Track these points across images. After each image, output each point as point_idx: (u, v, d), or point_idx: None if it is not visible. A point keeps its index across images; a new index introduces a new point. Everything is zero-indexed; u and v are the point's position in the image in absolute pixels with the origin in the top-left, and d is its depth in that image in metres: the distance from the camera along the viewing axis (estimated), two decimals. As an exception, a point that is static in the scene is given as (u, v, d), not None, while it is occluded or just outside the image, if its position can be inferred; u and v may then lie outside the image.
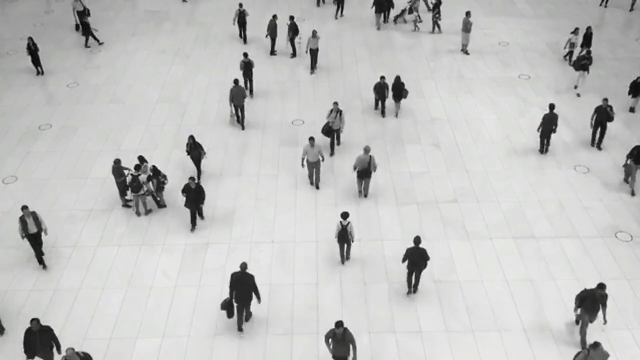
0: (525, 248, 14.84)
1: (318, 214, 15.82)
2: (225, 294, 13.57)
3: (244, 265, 12.45)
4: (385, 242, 14.90)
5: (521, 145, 18.52)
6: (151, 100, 20.93)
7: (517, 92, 21.34)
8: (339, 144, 18.34)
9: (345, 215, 14.09)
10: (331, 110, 17.89)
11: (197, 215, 15.40)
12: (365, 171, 16.12)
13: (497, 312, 13.23)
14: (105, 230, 15.44)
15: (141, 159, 16.02)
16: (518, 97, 21.04)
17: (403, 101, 20.62)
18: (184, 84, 21.92)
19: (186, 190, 15.04)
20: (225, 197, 16.45)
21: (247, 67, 20.89)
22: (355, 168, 16.20)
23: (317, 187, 16.44)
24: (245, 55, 20.90)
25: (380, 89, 19.49)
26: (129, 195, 16.20)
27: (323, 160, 16.49)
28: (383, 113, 19.71)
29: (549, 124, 17.81)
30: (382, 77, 19.32)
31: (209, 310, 13.28)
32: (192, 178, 14.77)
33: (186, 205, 15.05)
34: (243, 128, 19.37)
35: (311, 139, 15.96)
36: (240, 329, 12.81)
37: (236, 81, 19.18)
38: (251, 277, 12.46)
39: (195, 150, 16.63)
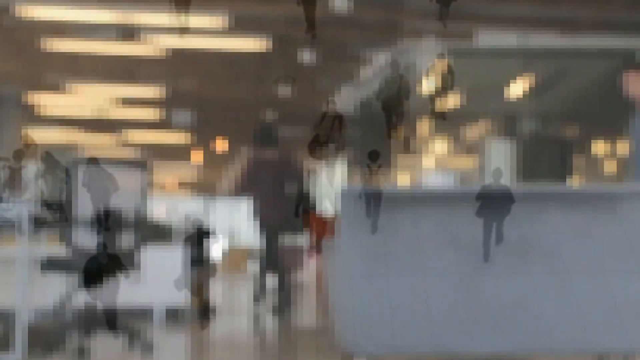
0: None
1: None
2: None
3: (198, 221, 12.34)
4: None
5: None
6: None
7: None
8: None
9: (374, 155, 13.42)
10: (324, 114, 15.73)
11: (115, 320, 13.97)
12: (392, 100, 16.42)
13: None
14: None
15: (26, 139, 15.08)
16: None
17: None
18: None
19: (89, 272, 13.11)
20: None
21: None
22: (378, 97, 16.30)
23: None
24: None
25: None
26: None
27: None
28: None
29: None
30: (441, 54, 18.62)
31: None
32: (103, 245, 13.02)
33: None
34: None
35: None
36: (204, 324, 12.66)
37: None
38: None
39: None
